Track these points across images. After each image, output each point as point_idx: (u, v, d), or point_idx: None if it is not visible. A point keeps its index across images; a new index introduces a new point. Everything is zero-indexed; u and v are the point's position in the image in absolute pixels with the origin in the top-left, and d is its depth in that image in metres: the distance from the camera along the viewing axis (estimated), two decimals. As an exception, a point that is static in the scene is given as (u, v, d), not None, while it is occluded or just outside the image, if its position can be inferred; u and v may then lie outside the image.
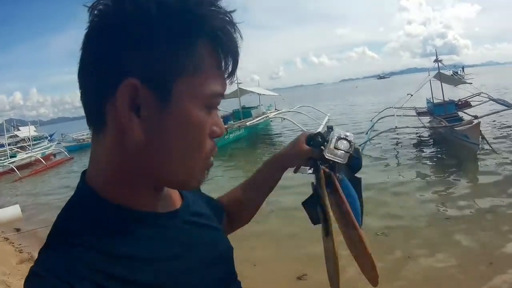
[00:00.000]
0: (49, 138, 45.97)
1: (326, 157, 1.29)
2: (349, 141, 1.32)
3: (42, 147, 33.53)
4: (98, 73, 0.77)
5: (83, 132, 44.39)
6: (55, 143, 37.91)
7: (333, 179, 1.26)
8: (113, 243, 0.79)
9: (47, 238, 0.80)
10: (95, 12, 0.78)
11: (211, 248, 1.01)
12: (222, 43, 0.80)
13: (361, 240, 1.21)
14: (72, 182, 18.04)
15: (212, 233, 1.07)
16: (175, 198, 1.03)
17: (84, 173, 0.90)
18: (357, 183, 1.37)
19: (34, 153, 29.21)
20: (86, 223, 0.80)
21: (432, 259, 6.46)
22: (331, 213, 1.24)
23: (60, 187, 17.60)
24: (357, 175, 1.39)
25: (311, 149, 1.36)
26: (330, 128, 1.40)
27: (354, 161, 1.33)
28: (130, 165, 0.83)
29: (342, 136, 1.33)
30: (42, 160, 26.83)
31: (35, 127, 50.16)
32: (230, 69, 0.85)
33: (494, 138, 14.76)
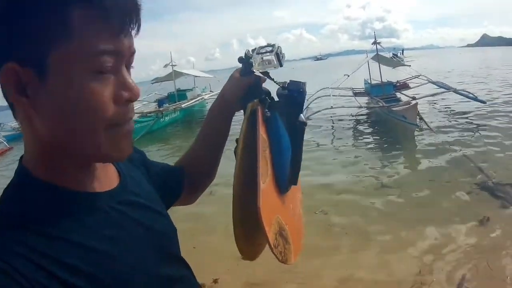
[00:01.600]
0: None
1: (256, 70, 1.32)
2: (272, 45, 1.31)
3: None
4: None
5: (20, 121, 44.26)
6: None
7: (256, 112, 1.27)
8: (46, 223, 0.80)
9: None
10: None
11: (147, 230, 1.02)
12: (103, 4, 0.78)
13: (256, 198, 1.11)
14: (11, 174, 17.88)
15: (150, 214, 1.07)
16: (112, 177, 1.05)
17: (21, 157, 0.93)
18: (297, 129, 1.36)
19: None
20: (21, 203, 0.84)
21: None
22: (239, 151, 1.24)
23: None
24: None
25: (244, 77, 1.40)
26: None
27: (292, 87, 1.35)
28: (45, 143, 0.86)
29: (263, 46, 1.32)
30: None
31: None
32: (122, 25, 0.82)
33: (432, 119, 15.39)
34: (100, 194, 0.95)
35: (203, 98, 26.42)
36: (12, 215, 0.81)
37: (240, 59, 1.39)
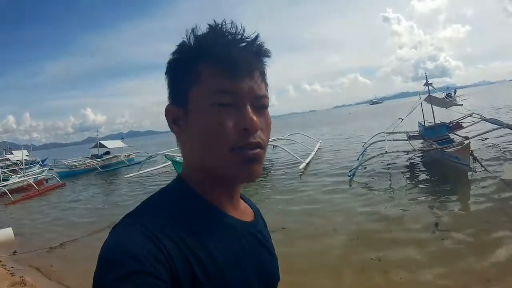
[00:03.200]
0: (41, 163, 45.82)
1: None
2: None
3: (35, 172, 33.49)
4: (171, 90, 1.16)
5: (75, 159, 45.22)
6: (47, 168, 37.77)
7: None
8: (189, 222, 1.04)
9: (138, 206, 1.09)
10: None
11: (260, 265, 1.18)
12: (222, 59, 1.06)
13: None
14: (59, 212, 18.58)
15: (266, 254, 1.24)
16: (249, 214, 1.29)
17: (178, 174, 1.21)
18: None
19: (27, 178, 29.17)
20: (174, 201, 1.09)
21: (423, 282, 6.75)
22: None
23: (53, 215, 18.09)
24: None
25: None
26: None
27: None
28: (194, 164, 1.15)
29: None
30: (34, 185, 26.77)
31: (27, 151, 50.14)
32: (239, 72, 1.07)
33: (487, 158, 15.15)
34: (235, 219, 1.17)
35: None
36: (166, 208, 1.06)
37: None
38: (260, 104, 1.12)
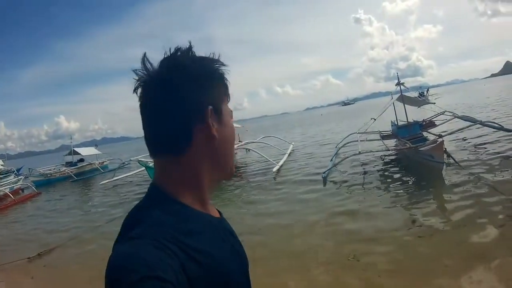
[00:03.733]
0: (16, 172, 45.39)
1: None
2: None
3: (10, 181, 33.17)
4: (184, 109, 1.25)
5: (50, 167, 44.82)
6: (23, 177, 37.50)
7: None
8: (183, 228, 1.16)
9: (133, 224, 1.16)
10: (166, 66, 1.28)
11: (238, 253, 1.38)
12: (226, 84, 1.39)
13: None
14: (41, 219, 18.62)
15: (239, 244, 1.44)
16: (216, 212, 1.46)
17: (152, 185, 1.32)
18: None
19: (3, 188, 29.01)
20: (165, 213, 1.19)
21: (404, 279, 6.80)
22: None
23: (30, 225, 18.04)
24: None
25: None
26: None
27: None
28: (205, 168, 1.32)
29: None
30: (10, 194, 26.73)
31: (2, 160, 49.63)
32: (229, 97, 1.41)
33: (460, 155, 15.47)
34: (213, 216, 1.37)
35: None
36: (160, 219, 1.16)
37: None
38: None
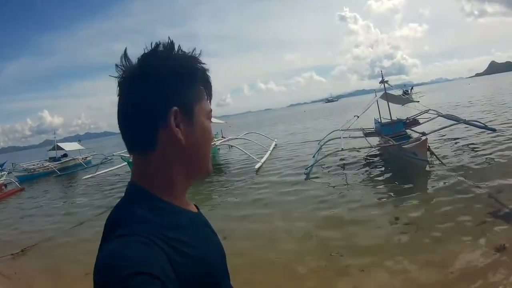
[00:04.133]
0: (0, 167, 44.99)
1: None
2: None
3: None
4: (150, 107, 1.25)
5: (34, 162, 44.60)
6: (6, 172, 37.13)
7: None
8: (166, 223, 1.19)
9: (119, 222, 1.19)
10: (138, 64, 1.29)
11: (217, 245, 1.43)
12: (206, 82, 1.40)
13: None
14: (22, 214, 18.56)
15: (216, 237, 1.49)
16: (193, 207, 1.49)
17: (131, 183, 1.34)
18: None
19: None
20: (148, 210, 1.21)
21: (387, 273, 6.87)
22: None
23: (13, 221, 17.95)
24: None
25: None
26: None
27: None
28: (176, 168, 1.32)
29: None
30: None
31: None
32: (210, 96, 1.43)
33: (443, 152, 15.63)
34: (191, 211, 1.40)
35: (214, 144, 26.10)
36: (144, 215, 1.18)
37: None
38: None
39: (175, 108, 1.26)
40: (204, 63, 1.37)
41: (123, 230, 1.11)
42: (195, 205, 1.53)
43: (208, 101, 1.41)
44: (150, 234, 1.10)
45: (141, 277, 0.96)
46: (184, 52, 1.34)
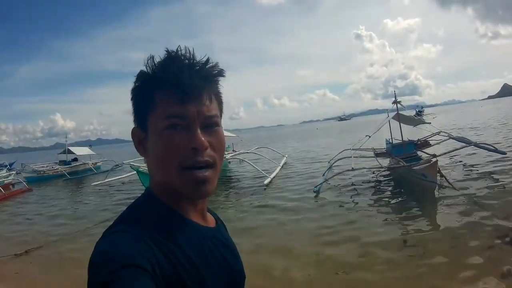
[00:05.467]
0: (8, 166, 45.03)
1: None
2: None
3: (1, 175, 32.91)
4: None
5: (44, 164, 44.91)
6: (15, 172, 37.45)
7: None
8: (164, 228, 1.20)
9: (117, 221, 1.25)
10: None
11: (228, 266, 1.35)
12: (172, 85, 1.22)
13: None
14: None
15: (230, 254, 1.41)
16: (211, 221, 1.47)
17: (147, 187, 1.38)
18: None
19: None
20: (149, 213, 1.24)
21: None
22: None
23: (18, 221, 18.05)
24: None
25: None
26: None
27: None
28: (156, 178, 1.32)
29: None
30: (1, 188, 26.37)
31: None
32: (186, 96, 1.22)
33: (453, 175, 15.50)
34: (200, 225, 1.35)
35: (225, 157, 25.98)
36: (143, 220, 1.21)
37: None
38: (211, 123, 1.28)
39: (134, 128, 1.33)
40: (163, 67, 1.26)
41: (118, 227, 1.17)
42: (217, 219, 1.54)
43: (181, 103, 1.22)
44: (143, 234, 1.13)
45: (131, 269, 1.00)
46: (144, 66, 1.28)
